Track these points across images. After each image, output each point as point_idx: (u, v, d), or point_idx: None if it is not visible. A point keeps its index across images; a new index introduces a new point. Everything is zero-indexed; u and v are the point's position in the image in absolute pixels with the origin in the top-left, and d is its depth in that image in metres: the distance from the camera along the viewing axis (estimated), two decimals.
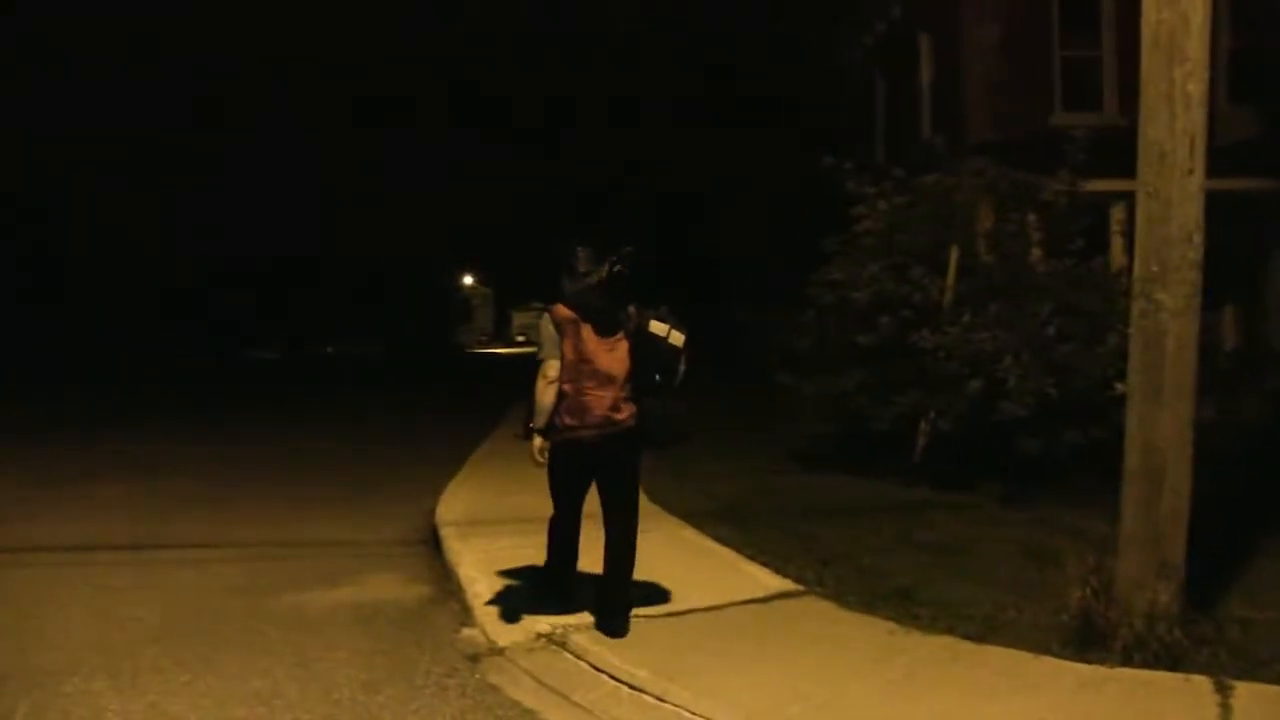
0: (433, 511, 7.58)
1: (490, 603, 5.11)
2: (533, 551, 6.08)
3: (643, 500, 7.65)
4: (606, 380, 4.59)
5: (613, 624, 4.62)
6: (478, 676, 4.28)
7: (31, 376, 24.69)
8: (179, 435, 14.59)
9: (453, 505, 7.73)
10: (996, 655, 4.13)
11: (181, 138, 33.38)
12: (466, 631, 4.86)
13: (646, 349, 4.62)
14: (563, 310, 4.65)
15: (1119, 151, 7.74)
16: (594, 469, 4.72)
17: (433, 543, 6.77)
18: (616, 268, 4.61)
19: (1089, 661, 3.98)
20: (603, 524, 4.79)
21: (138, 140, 31.56)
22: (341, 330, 55.30)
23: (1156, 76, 3.99)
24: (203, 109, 33.94)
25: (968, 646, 4.25)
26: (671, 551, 6.13)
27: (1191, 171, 3.97)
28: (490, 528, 6.77)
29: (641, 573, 5.53)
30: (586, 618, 4.76)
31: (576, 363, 4.59)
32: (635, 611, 4.79)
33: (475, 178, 42.83)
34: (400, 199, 45.14)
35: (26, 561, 6.47)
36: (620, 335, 4.65)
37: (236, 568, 6.22)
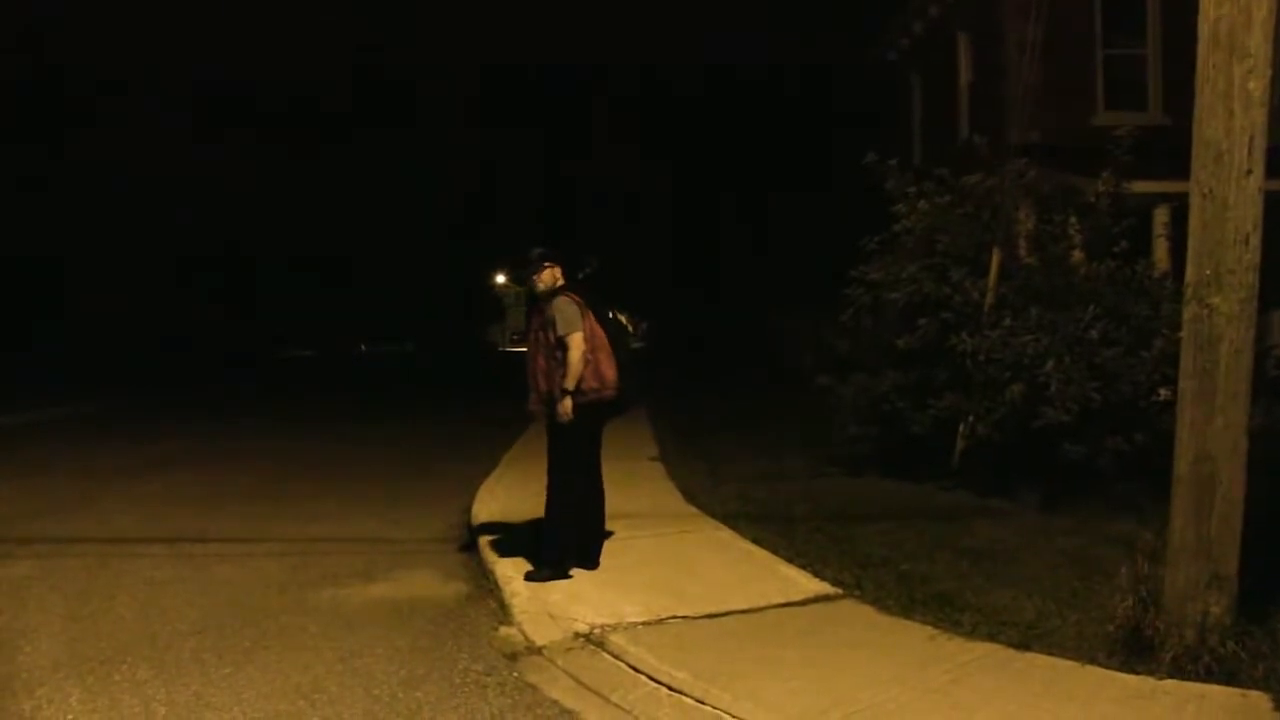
0: (468, 509, 7.61)
1: (527, 602, 5.11)
2: None
3: (680, 502, 7.73)
4: (610, 353, 5.69)
5: (596, 559, 5.75)
6: (516, 675, 4.28)
7: (89, 375, 25.18)
8: (220, 431, 14.80)
9: (488, 503, 7.76)
10: (1042, 664, 4.05)
11: (213, 135, 33.77)
12: (504, 630, 4.86)
13: (615, 331, 5.81)
14: (577, 296, 5.69)
15: (1163, 152, 7.65)
16: (599, 429, 5.85)
17: (469, 541, 6.80)
18: (588, 271, 5.52)
19: (1137, 672, 3.88)
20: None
21: (169, 138, 32.00)
22: (374, 329, 55.81)
23: (1214, 74, 3.88)
24: (233, 110, 34.34)
25: (1011, 654, 4.18)
26: (709, 553, 6.11)
27: (1250, 172, 3.86)
28: (526, 526, 6.78)
29: (680, 574, 5.57)
30: (625, 618, 4.75)
31: (593, 337, 5.63)
32: (673, 613, 4.84)
33: (507, 175, 42.84)
34: (435, 198, 45.37)
35: (78, 552, 6.60)
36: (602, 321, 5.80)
37: (276, 562, 6.28)
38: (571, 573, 5.56)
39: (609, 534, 6.19)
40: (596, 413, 5.71)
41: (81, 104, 29.73)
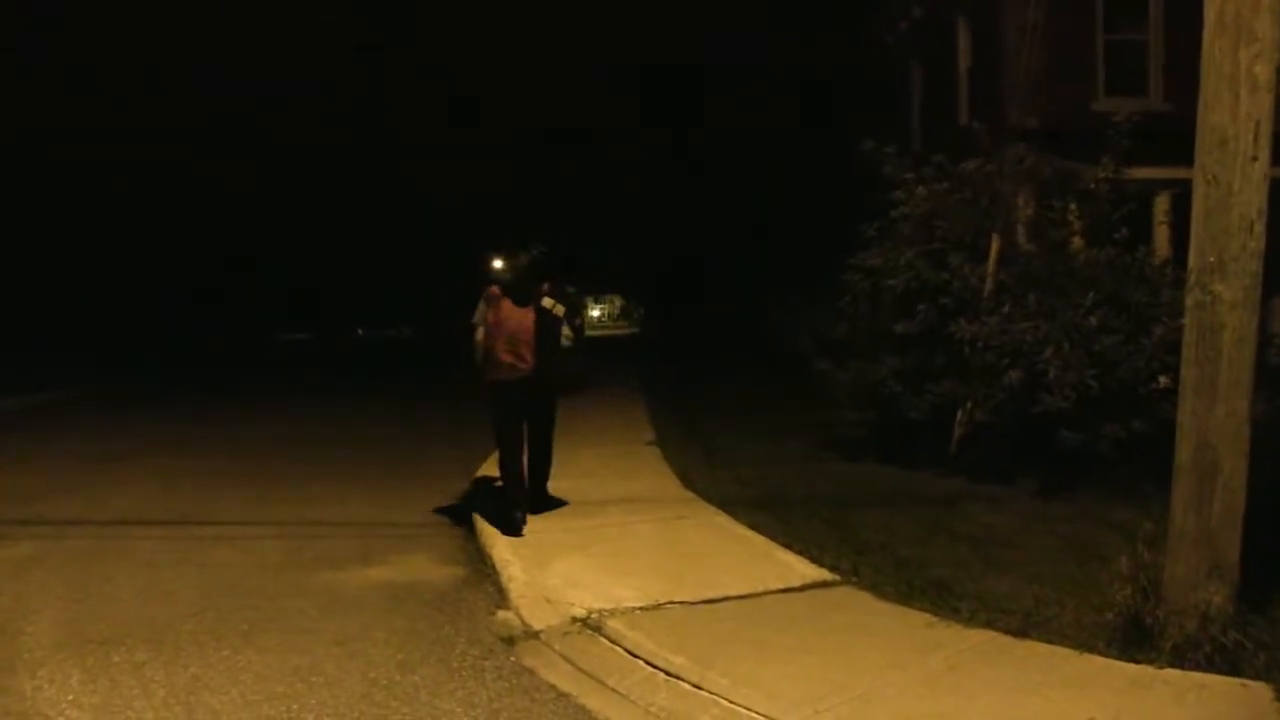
0: (466, 493, 7.60)
1: (525, 586, 5.10)
2: (563, 535, 6.13)
3: (677, 487, 7.72)
4: (512, 339, 6.30)
5: (510, 526, 6.17)
6: (513, 659, 4.27)
7: (89, 359, 25.17)
8: (219, 415, 14.78)
9: (485, 487, 7.74)
10: (1040, 651, 4.04)
11: (217, 123, 33.67)
12: (501, 614, 4.86)
13: (540, 318, 6.35)
14: (492, 290, 6.43)
15: (1164, 138, 7.60)
16: (514, 404, 6.39)
17: (466, 524, 6.79)
18: (527, 259, 6.45)
19: (1136, 661, 3.87)
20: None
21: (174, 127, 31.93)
22: (372, 313, 55.76)
23: (1220, 58, 3.85)
24: (236, 102, 34.20)
25: (1010, 641, 4.17)
26: (707, 538, 6.10)
27: (1255, 158, 3.83)
28: None
29: (677, 559, 5.57)
30: (622, 603, 4.75)
31: (494, 326, 6.34)
32: (670, 598, 4.83)
33: (506, 161, 42.66)
34: (430, 183, 45.16)
35: (77, 534, 6.62)
36: (531, 306, 6.35)
37: (273, 545, 6.28)
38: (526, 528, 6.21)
39: (548, 497, 6.84)
40: (496, 390, 6.39)
41: (81, 103, 29.59)
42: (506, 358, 6.30)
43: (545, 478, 6.77)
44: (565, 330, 6.48)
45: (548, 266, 6.58)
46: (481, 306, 6.41)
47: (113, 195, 30.79)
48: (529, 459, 6.54)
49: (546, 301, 6.39)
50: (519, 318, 6.33)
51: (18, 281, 29.17)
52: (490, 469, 8.50)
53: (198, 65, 32.96)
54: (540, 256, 6.50)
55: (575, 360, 6.50)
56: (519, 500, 6.34)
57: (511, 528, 6.14)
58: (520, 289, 6.41)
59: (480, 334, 6.38)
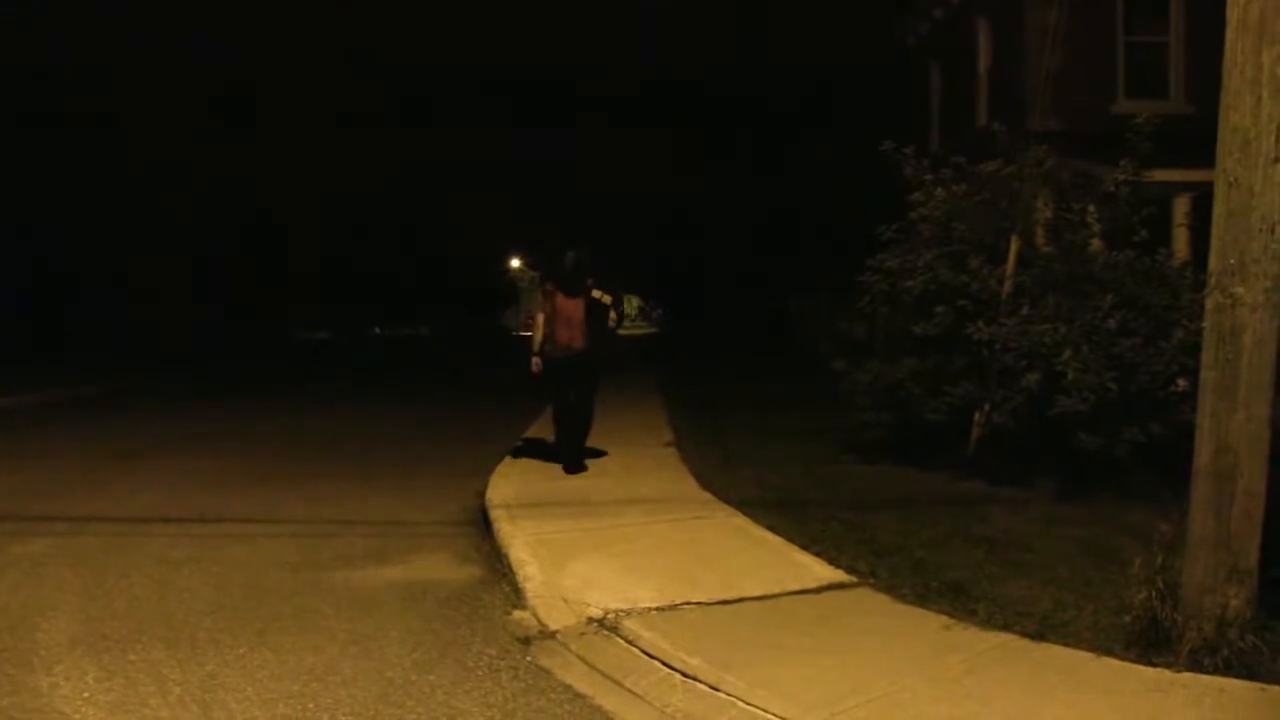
0: (482, 493, 7.62)
1: (541, 586, 5.11)
2: (580, 535, 6.14)
3: (695, 488, 7.73)
4: (568, 324, 8.01)
5: (571, 465, 8.17)
6: (529, 659, 4.28)
7: (116, 356, 25.39)
8: (235, 412, 14.87)
9: (502, 487, 7.76)
10: (1057, 654, 4.03)
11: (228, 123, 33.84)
12: (517, 614, 4.87)
13: (591, 305, 8.03)
14: (547, 285, 8.19)
15: (1184, 141, 7.54)
16: (565, 376, 8.12)
17: (482, 524, 6.81)
18: (575, 257, 8.08)
19: (1153, 665, 3.86)
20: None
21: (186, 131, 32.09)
22: (389, 312, 56.08)
23: (1243, 60, 3.82)
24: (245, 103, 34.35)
25: (1027, 644, 4.15)
26: (723, 539, 6.09)
27: (1277, 160, 3.80)
28: (541, 510, 6.79)
29: (694, 560, 5.57)
30: (639, 604, 4.75)
31: (553, 313, 8.02)
32: (687, 599, 4.84)
33: (522, 162, 42.73)
34: (447, 185, 45.30)
35: (94, 531, 6.66)
36: (580, 297, 8.02)
37: (288, 544, 6.31)
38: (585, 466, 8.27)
39: (586, 450, 8.55)
40: (554, 365, 8.08)
41: (85, 101, 29.72)
42: (565, 340, 7.96)
43: (585, 438, 8.48)
44: (611, 315, 8.20)
45: (592, 264, 8.06)
46: (539, 299, 8.06)
47: (120, 193, 30.92)
48: (574, 424, 8.26)
49: (595, 292, 7.96)
50: (571, 307, 7.98)
51: (30, 280, 29.36)
52: (510, 471, 8.59)
53: (201, 63, 33.02)
54: (586, 256, 7.98)
55: (617, 342, 7.88)
56: (572, 451, 8.21)
57: (573, 468, 8.10)
58: (571, 283, 8.00)
59: (540, 320, 8.05)
